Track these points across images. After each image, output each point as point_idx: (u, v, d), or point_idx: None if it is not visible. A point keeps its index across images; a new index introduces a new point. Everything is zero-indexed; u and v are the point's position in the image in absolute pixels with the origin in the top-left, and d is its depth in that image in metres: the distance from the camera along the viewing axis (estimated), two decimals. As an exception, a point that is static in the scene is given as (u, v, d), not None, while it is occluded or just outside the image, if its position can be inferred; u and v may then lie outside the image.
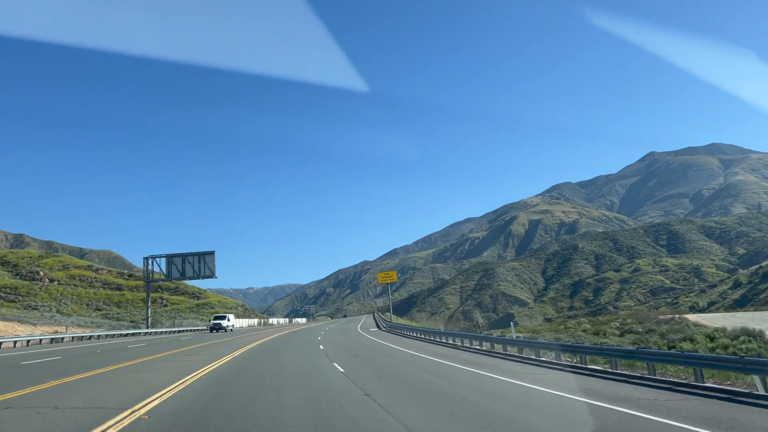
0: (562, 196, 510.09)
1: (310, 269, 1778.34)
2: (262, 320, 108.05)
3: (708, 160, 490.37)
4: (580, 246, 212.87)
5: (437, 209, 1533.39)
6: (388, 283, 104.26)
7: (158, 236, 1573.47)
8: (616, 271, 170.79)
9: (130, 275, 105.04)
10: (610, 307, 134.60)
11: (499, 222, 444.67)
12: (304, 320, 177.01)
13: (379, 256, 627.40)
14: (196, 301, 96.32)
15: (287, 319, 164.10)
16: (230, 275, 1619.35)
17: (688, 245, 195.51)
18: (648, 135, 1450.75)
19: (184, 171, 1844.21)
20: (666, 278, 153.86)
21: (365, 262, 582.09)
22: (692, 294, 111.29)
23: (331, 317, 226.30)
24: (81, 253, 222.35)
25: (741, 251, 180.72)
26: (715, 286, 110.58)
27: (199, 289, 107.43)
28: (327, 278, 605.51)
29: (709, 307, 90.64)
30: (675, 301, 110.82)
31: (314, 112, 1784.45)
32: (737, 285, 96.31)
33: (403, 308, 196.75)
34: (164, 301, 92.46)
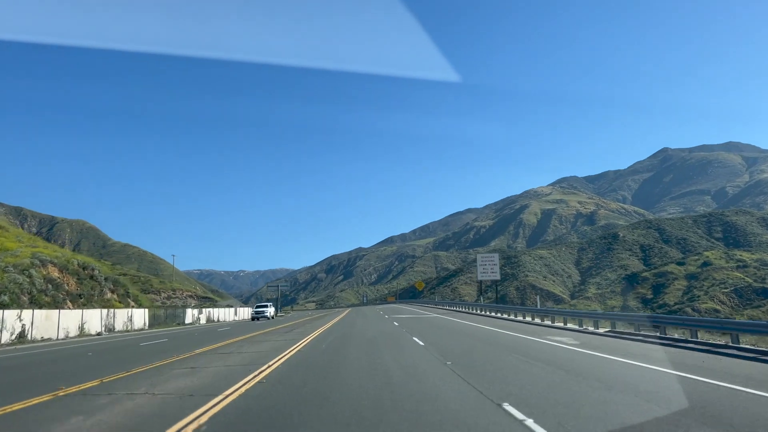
0: (573, 187, 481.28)
1: (302, 254, 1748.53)
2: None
3: (729, 157, 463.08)
4: (621, 235, 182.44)
5: (435, 199, 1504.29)
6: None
7: (145, 212, 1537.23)
8: (680, 264, 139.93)
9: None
10: (689, 309, 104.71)
11: (508, 210, 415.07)
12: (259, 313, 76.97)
13: (375, 243, 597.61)
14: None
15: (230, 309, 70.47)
16: (221, 257, 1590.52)
17: (752, 239, 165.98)
18: (659, 132, 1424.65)
19: (175, 150, 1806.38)
20: (745, 275, 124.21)
21: (360, 249, 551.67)
22: None
23: (320, 306, 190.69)
24: (52, 222, 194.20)
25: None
26: None
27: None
28: (319, 264, 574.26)
29: None
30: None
31: (302, 92, 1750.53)
32: None
33: (406, 297, 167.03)
34: None
